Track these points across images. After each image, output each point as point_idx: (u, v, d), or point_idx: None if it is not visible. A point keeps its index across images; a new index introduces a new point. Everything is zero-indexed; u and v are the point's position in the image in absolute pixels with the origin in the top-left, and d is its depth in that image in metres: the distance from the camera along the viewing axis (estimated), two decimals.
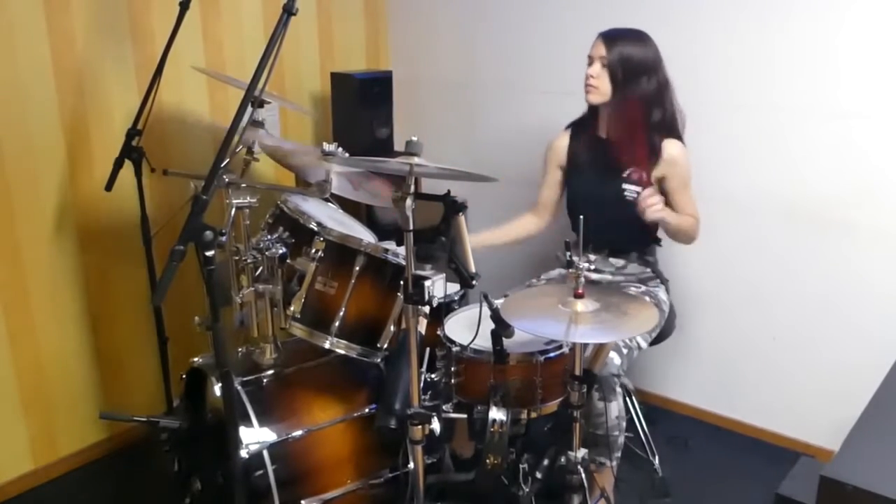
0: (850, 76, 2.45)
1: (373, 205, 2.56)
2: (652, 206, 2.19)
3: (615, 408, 2.20)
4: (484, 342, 1.99)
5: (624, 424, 2.28)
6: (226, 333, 1.61)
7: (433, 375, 2.16)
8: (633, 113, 2.30)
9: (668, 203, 2.39)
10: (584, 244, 1.90)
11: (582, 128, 2.48)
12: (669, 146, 2.33)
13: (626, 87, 2.28)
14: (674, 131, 2.35)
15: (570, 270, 1.89)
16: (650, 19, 2.44)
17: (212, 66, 2.88)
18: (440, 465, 2.23)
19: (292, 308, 2.02)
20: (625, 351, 2.25)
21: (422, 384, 1.97)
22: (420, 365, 1.81)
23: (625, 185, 2.35)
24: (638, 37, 2.30)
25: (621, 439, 2.28)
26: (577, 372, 1.95)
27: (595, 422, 2.20)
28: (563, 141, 2.52)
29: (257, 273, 2.01)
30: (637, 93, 2.28)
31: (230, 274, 2.04)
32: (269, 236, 2.03)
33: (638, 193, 2.34)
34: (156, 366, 2.65)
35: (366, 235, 2.26)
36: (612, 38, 2.29)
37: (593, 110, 2.39)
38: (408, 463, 2.05)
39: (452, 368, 2.09)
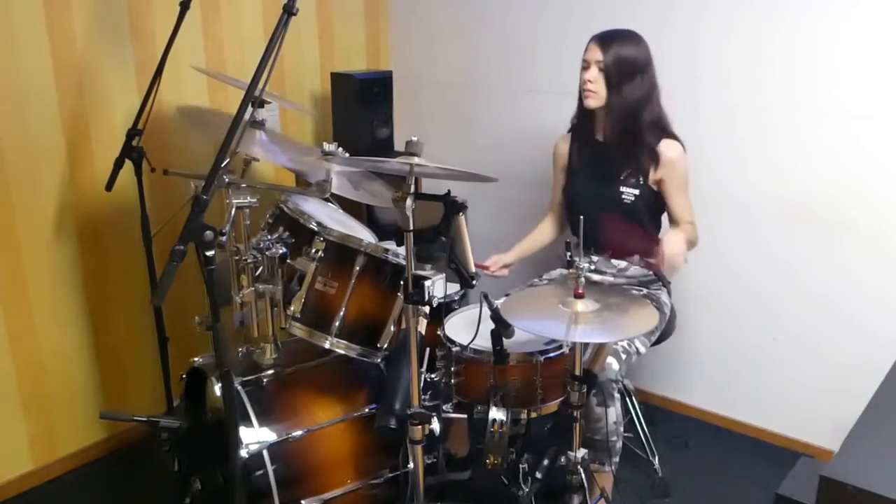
0: (849, 76, 2.45)
1: (373, 205, 2.56)
2: (676, 255, 2.14)
3: (613, 413, 2.20)
4: (484, 342, 1.99)
5: (622, 430, 2.28)
6: (226, 333, 1.61)
7: (433, 375, 2.16)
8: (626, 115, 2.29)
9: (663, 206, 2.40)
10: (587, 246, 1.90)
11: (580, 130, 2.47)
12: (668, 148, 2.32)
13: (621, 89, 2.27)
14: (666, 131, 2.34)
15: (571, 270, 1.89)
16: (649, 19, 2.44)
17: (212, 66, 2.88)
18: (434, 467, 2.23)
19: (292, 308, 2.02)
20: (623, 356, 2.24)
21: (422, 384, 1.97)
22: (420, 365, 1.81)
23: (622, 188, 2.35)
24: (631, 36, 2.29)
25: (619, 444, 2.28)
26: (577, 372, 1.95)
27: (593, 427, 2.20)
28: (565, 143, 2.52)
29: (257, 273, 2.01)
30: (630, 94, 2.27)
31: (230, 274, 2.04)
32: (269, 236, 2.03)
33: (635, 196, 2.34)
34: (156, 365, 2.65)
35: (366, 235, 2.26)
36: (606, 39, 2.27)
37: (589, 114, 2.38)
38: (407, 463, 2.05)
39: (452, 368, 2.09)
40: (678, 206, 2.38)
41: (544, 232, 2.66)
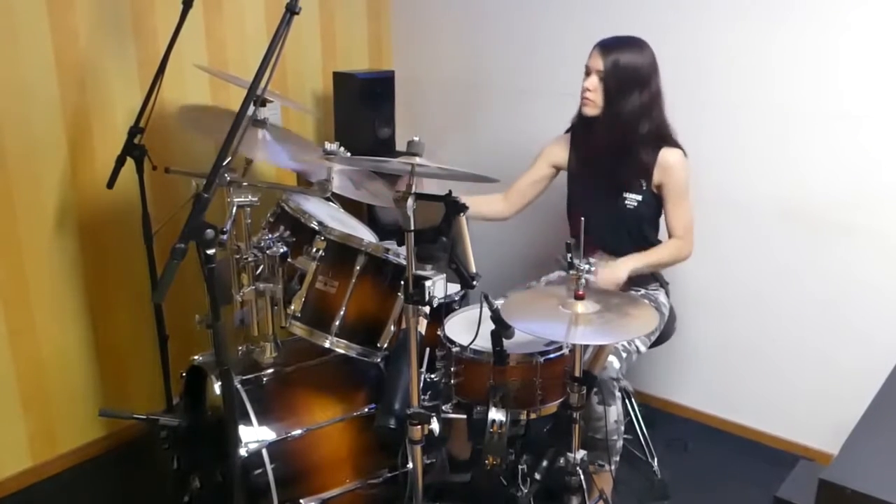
0: (850, 77, 2.45)
1: (374, 204, 2.56)
2: (605, 280, 2.18)
3: (614, 412, 2.20)
4: (484, 343, 1.99)
5: (623, 429, 2.28)
6: (226, 332, 1.61)
7: (433, 376, 2.16)
8: (621, 126, 2.28)
9: (661, 213, 2.40)
10: (585, 248, 1.90)
11: (582, 134, 2.47)
12: (667, 154, 2.31)
13: (619, 98, 2.25)
14: (666, 141, 2.32)
15: (571, 272, 1.89)
16: (651, 21, 2.44)
17: (214, 64, 2.88)
18: (436, 467, 2.23)
19: (293, 307, 2.02)
20: (624, 355, 2.25)
21: (421, 384, 1.97)
22: (420, 365, 1.81)
23: (625, 194, 2.35)
24: (634, 44, 2.27)
25: (620, 443, 2.28)
26: (577, 373, 1.95)
27: (594, 426, 2.21)
28: (564, 144, 2.51)
29: (258, 272, 2.01)
30: (627, 106, 2.25)
31: (231, 272, 2.04)
32: (270, 235, 2.03)
33: (638, 202, 2.34)
34: (156, 363, 2.65)
35: (367, 235, 2.26)
36: (607, 47, 2.26)
37: (590, 120, 2.37)
38: (407, 463, 2.05)
39: (452, 369, 2.09)
40: (671, 215, 2.35)
41: (494, 204, 2.57)
